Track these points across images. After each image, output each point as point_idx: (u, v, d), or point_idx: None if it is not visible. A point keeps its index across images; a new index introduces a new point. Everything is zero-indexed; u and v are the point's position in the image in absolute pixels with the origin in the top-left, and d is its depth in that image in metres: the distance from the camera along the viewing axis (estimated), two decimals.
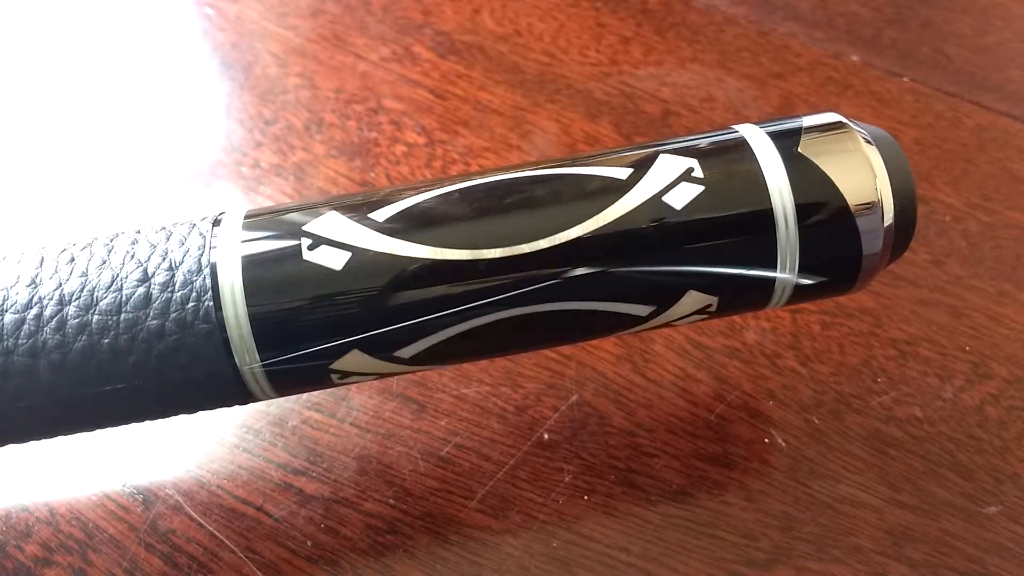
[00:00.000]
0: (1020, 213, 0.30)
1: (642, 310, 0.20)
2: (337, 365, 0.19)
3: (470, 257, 0.19)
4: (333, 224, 0.19)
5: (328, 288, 0.19)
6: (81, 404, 0.19)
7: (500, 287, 0.19)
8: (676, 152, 0.20)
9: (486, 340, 0.20)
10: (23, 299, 0.18)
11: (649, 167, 0.20)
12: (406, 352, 0.19)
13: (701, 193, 0.19)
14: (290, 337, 0.19)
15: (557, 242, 0.19)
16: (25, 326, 0.18)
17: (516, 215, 0.19)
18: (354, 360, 0.19)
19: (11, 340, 0.18)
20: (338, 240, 0.19)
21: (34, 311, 0.18)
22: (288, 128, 0.33)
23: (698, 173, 0.19)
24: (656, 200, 0.19)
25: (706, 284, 0.20)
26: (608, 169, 0.20)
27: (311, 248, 0.19)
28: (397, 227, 0.19)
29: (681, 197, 0.19)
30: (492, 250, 0.19)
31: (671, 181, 0.19)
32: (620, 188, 0.19)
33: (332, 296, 0.19)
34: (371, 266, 0.19)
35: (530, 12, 0.38)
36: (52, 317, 0.18)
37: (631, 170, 0.20)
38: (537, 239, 0.19)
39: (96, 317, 0.18)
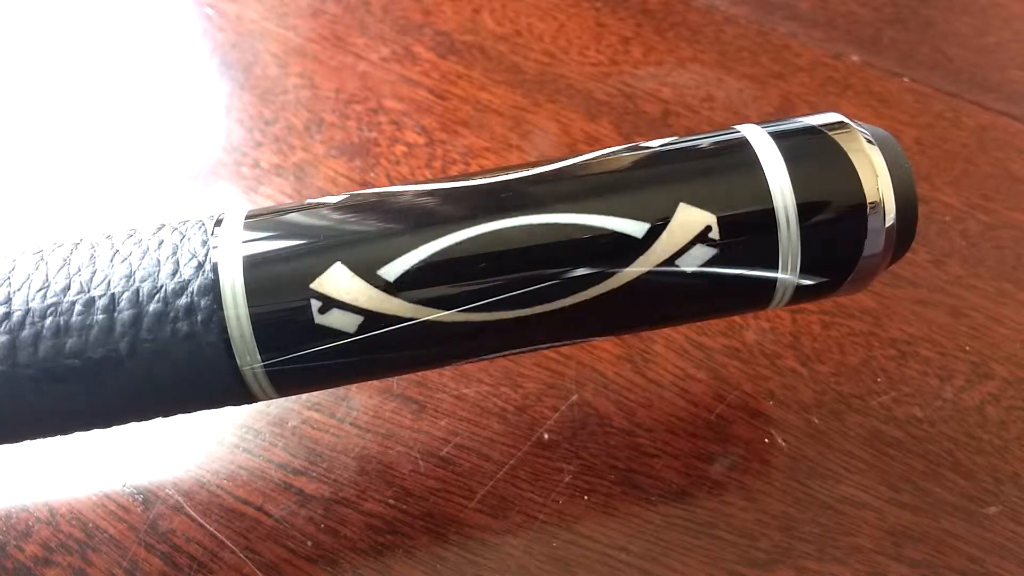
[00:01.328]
0: (1020, 213, 0.30)
1: (637, 229, 0.19)
2: (319, 285, 0.18)
3: (459, 185, 0.20)
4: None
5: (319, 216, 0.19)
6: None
7: (484, 194, 0.20)
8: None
9: (474, 255, 0.19)
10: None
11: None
12: (390, 270, 0.19)
13: (685, 144, 0.20)
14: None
15: (543, 169, 0.20)
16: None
17: (506, 168, 0.21)
18: (338, 279, 0.19)
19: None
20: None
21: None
22: (288, 128, 0.33)
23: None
24: (638, 145, 0.20)
25: (697, 194, 0.19)
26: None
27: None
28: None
29: (666, 141, 0.21)
30: (482, 179, 0.20)
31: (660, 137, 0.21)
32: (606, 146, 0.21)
33: (321, 220, 0.19)
34: (364, 198, 0.20)
35: (530, 12, 0.38)
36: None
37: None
38: (525, 170, 0.20)
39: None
